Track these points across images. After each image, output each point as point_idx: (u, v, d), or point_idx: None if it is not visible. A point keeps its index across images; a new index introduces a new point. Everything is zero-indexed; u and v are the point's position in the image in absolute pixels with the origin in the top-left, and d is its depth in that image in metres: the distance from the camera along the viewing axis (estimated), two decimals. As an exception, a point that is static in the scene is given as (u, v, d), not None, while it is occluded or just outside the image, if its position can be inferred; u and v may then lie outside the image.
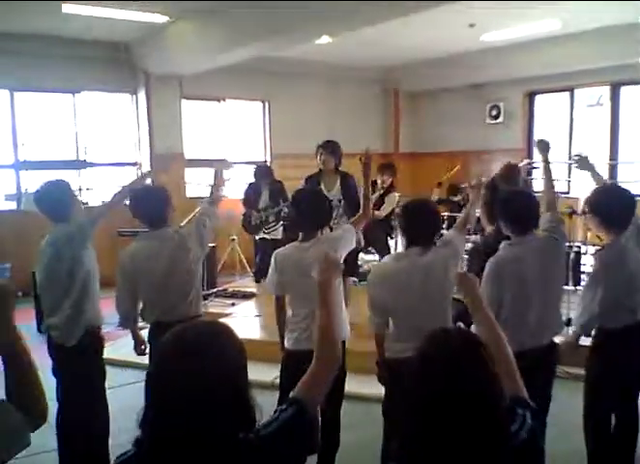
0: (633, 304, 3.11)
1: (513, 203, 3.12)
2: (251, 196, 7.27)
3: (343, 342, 3.19)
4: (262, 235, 7.25)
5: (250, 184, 7.39)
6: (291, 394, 1.53)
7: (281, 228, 7.07)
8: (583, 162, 3.66)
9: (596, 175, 3.62)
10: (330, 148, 5.19)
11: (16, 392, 1.52)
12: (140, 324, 3.52)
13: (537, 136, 3.91)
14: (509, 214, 3.11)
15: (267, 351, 3.91)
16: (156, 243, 3.30)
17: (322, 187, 5.13)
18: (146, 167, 9.16)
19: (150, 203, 3.32)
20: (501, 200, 3.23)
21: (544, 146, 3.54)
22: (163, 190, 3.44)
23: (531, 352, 2.83)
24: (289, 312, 3.28)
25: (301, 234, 3.22)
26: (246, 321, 6.08)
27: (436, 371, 1.38)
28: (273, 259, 3.26)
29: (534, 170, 5.65)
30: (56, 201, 3.23)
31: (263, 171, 7.42)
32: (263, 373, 3.54)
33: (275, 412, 1.47)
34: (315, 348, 1.68)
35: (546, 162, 3.47)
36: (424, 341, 1.47)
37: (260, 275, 7.17)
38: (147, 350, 3.41)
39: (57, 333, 3.23)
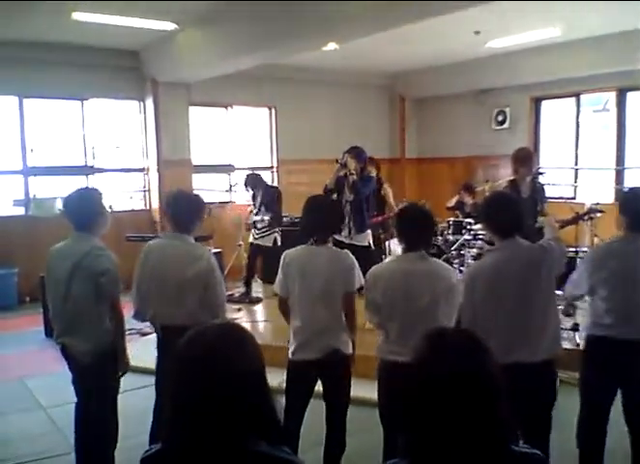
0: (620, 311, 2.95)
1: (494, 205, 3.01)
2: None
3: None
4: (252, 240, 7.27)
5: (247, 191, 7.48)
6: None
7: (274, 236, 7.09)
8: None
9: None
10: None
11: None
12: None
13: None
14: (489, 217, 3.00)
15: (273, 355, 3.91)
16: (172, 243, 3.35)
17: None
18: (153, 173, 9.22)
19: (183, 209, 3.34)
20: (481, 204, 3.22)
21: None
22: (200, 201, 3.45)
23: (519, 366, 2.63)
24: (292, 318, 3.23)
25: (313, 238, 3.16)
26: (253, 326, 6.11)
27: (434, 373, 1.36)
28: (282, 259, 3.24)
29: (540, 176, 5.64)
30: (83, 208, 3.15)
31: (257, 179, 7.39)
32: (270, 377, 3.54)
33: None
34: None
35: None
36: (421, 342, 1.44)
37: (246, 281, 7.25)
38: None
39: (73, 352, 3.14)
